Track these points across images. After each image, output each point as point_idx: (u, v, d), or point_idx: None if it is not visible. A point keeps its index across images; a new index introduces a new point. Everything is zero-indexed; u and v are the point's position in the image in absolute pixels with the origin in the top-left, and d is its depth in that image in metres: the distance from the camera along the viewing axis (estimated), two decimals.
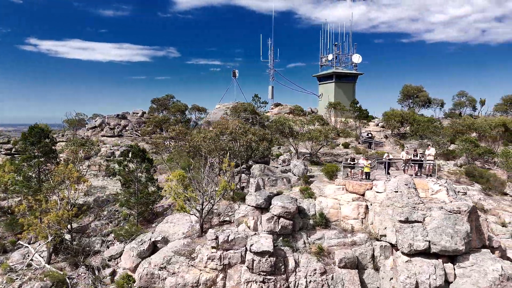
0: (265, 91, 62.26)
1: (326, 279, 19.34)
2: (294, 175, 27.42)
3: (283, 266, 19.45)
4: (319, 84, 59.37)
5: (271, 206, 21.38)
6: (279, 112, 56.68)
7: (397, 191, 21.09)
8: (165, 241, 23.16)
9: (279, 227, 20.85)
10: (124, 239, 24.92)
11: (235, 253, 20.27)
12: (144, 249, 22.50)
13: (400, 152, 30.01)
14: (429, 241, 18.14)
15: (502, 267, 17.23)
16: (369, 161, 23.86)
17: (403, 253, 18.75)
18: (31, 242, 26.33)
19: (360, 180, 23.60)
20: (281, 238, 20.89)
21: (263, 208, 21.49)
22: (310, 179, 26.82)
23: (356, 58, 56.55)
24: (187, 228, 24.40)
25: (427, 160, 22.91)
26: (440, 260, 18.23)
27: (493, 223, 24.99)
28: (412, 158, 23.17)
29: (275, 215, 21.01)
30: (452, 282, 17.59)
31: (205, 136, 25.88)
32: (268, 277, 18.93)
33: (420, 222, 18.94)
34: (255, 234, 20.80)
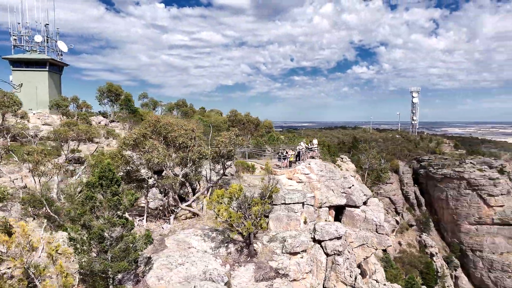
0: None
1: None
2: (226, 175, 27.66)
3: None
4: (14, 70, 45.08)
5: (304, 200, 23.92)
6: None
7: (322, 170, 30.68)
8: (228, 283, 18.79)
9: (316, 215, 24.22)
10: None
11: (312, 247, 21.76)
12: None
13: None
14: (365, 195, 30.14)
15: (377, 202, 32.79)
16: (294, 153, 30.76)
17: (356, 207, 29.29)
18: None
19: (289, 168, 30.14)
20: None
21: (302, 202, 23.50)
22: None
23: (63, 46, 48.93)
24: (215, 259, 20.18)
25: (314, 147, 33.62)
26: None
27: None
28: (309, 147, 32.92)
29: (311, 206, 24.01)
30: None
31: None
32: (346, 251, 23.01)
33: (353, 185, 30.32)
34: (306, 227, 22.81)
